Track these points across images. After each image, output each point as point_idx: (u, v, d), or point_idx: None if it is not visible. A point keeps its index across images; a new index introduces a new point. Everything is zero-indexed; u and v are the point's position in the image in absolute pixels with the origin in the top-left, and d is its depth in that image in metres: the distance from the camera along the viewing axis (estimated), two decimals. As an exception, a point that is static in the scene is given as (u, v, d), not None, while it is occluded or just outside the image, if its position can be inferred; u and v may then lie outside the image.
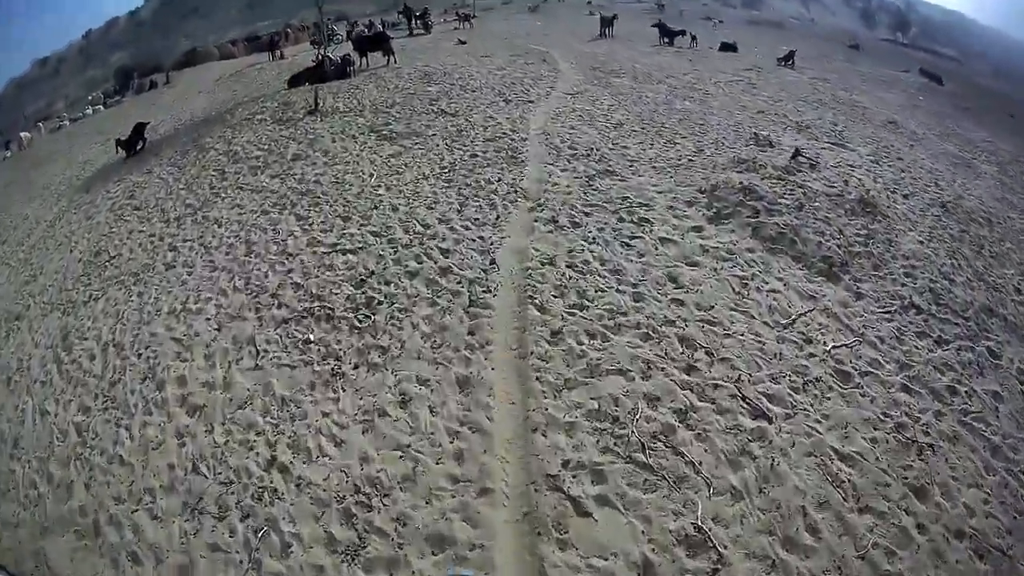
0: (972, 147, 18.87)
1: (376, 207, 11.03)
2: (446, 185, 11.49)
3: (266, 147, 15.35)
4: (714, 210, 10.14)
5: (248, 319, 8.80)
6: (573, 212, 10.08)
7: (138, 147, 20.46)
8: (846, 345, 7.52)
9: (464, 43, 29.75)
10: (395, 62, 23.80)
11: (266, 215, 11.67)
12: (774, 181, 11.03)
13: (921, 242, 10.11)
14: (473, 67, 21.55)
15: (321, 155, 13.97)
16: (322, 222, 10.88)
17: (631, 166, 11.95)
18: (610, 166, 11.85)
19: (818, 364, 7.20)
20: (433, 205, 10.79)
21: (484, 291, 8.43)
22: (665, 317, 7.78)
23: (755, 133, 14.22)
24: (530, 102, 16.61)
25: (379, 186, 11.86)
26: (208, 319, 9.03)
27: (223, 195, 13.25)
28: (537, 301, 8.08)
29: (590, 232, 9.50)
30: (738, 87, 20.69)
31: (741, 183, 10.73)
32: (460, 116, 15.40)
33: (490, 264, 8.94)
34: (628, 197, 10.55)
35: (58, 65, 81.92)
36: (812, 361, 7.24)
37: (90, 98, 48.98)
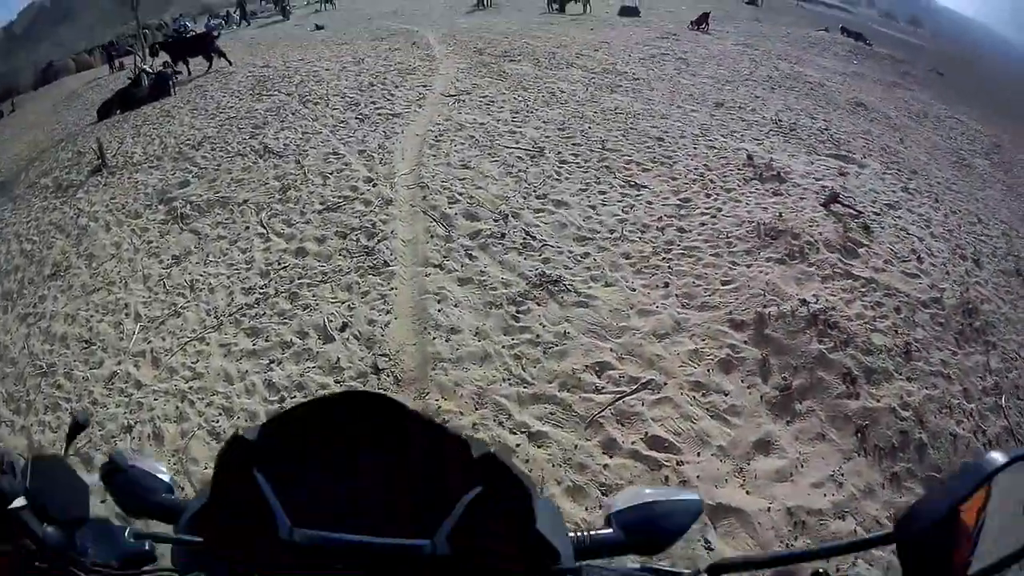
0: (948, 130, 15.51)
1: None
2: (249, 349, 5.61)
3: (30, 247, 9.37)
4: (778, 382, 4.66)
5: None
6: (512, 438, 4.25)
7: None
8: None
9: (321, 28, 25.75)
10: (228, 64, 18.96)
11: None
12: (843, 284, 5.73)
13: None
14: (324, 62, 16.36)
15: (85, 266, 8.08)
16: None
17: (585, 256, 6.23)
18: (548, 261, 6.13)
19: None
20: (220, 425, 4.89)
21: None
22: None
23: (748, 155, 8.69)
24: (395, 116, 10.83)
25: (138, 360, 5.95)
26: None
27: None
28: None
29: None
30: (669, 66, 15.51)
31: (803, 301, 5.31)
32: (290, 156, 9.51)
33: None
34: (608, 364, 4.81)
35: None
36: None
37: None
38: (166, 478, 1.18)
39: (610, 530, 1.04)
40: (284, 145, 10.00)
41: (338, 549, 0.92)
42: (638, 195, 7.49)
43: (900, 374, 4.75)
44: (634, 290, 5.69)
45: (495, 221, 6.88)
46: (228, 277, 6.78)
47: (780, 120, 11.22)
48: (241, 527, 0.96)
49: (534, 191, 7.60)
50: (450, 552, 0.91)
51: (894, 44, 36.63)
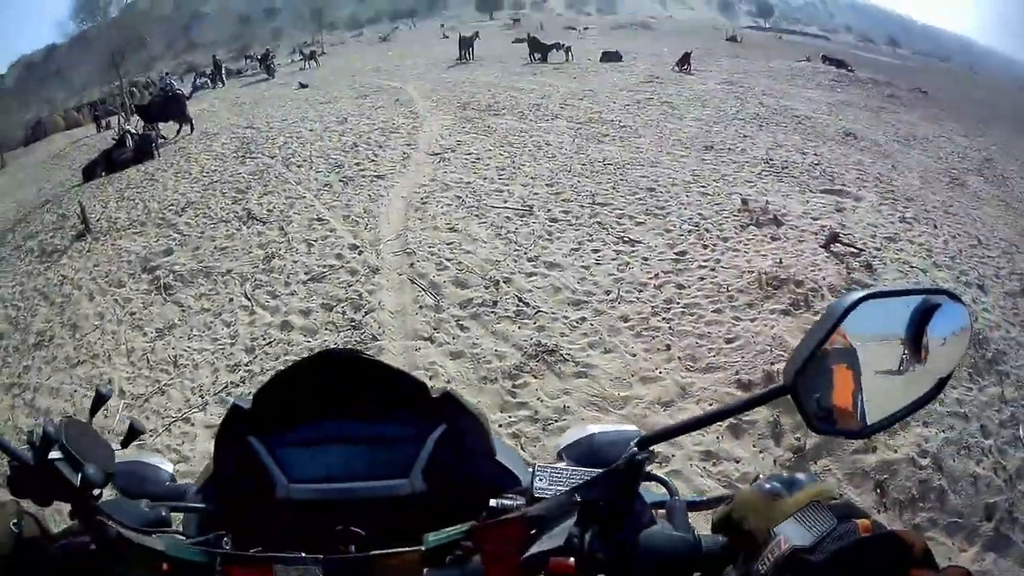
0: (938, 150, 15.28)
1: None
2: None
3: (15, 313, 9.06)
4: (791, 443, 4.50)
5: None
6: None
7: None
8: None
9: (305, 87, 25.44)
10: (190, 132, 18.76)
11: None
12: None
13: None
14: (307, 123, 16.23)
15: (69, 337, 7.81)
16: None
17: (581, 321, 6.02)
18: (543, 329, 5.90)
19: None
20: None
21: None
22: None
23: (742, 199, 8.59)
24: (379, 178, 10.69)
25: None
26: None
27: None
28: None
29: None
30: (655, 111, 15.52)
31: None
32: (274, 223, 9.31)
33: None
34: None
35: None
36: None
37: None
38: (169, 468, 1.26)
39: (562, 463, 1.12)
40: (268, 211, 9.82)
41: (330, 500, 1.03)
42: (633, 251, 7.32)
43: (916, 420, 4.64)
44: (634, 355, 5.47)
45: (486, 288, 6.69)
46: (213, 353, 6.52)
47: (771, 159, 11.17)
48: (242, 491, 1.06)
49: (525, 253, 7.42)
50: (425, 487, 1.03)
51: (876, 68, 37.00)
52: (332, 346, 6.07)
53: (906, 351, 0.83)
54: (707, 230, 7.76)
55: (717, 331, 5.69)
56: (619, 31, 48.41)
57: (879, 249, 7.25)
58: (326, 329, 6.36)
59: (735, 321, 5.80)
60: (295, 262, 7.91)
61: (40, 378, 7.02)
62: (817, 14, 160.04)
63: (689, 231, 7.76)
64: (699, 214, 8.27)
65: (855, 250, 6.99)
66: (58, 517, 1.04)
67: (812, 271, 6.42)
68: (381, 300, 6.68)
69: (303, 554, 0.92)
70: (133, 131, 18.02)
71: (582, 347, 5.60)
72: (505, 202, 9.01)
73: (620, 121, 14.07)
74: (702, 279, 6.60)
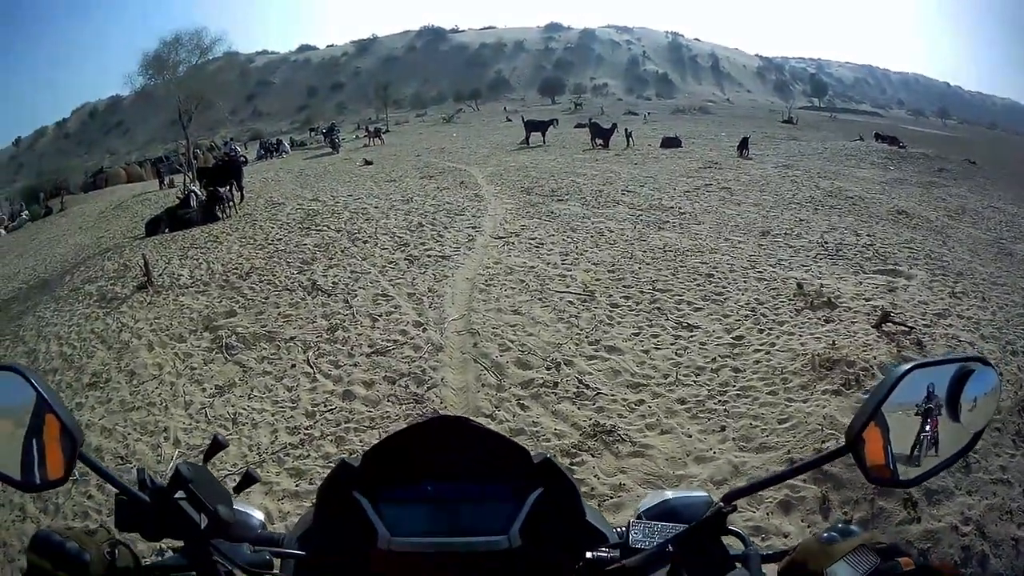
0: (986, 221, 15.80)
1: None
2: (292, 490, 5.51)
3: (70, 352, 9.30)
4: (839, 517, 4.60)
5: None
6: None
7: None
8: None
9: (370, 163, 26.19)
10: (240, 200, 19.22)
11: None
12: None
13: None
14: (372, 199, 16.80)
15: (125, 382, 8.00)
16: None
17: (640, 403, 6.21)
18: (602, 410, 6.09)
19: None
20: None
21: None
22: None
23: (798, 284, 8.86)
24: (444, 258, 11.02)
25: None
26: None
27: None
28: None
29: None
30: (713, 196, 15.89)
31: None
32: (338, 295, 9.64)
33: None
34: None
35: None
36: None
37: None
38: (260, 516, 1.36)
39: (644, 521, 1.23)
40: (333, 283, 10.15)
41: (430, 553, 1.13)
42: (691, 336, 7.49)
43: (960, 489, 4.72)
44: (690, 436, 5.62)
45: (547, 369, 6.88)
46: (272, 414, 6.72)
47: (826, 242, 11.42)
48: (344, 541, 1.16)
49: (586, 337, 7.62)
50: (522, 543, 1.13)
51: (926, 141, 37.36)
52: (394, 417, 6.31)
53: (947, 411, 1.02)
54: (763, 315, 7.95)
55: (771, 412, 5.83)
56: (679, 116, 49.47)
57: (929, 326, 7.39)
58: (388, 401, 6.60)
59: (788, 402, 5.94)
60: (359, 335, 8.19)
61: (92, 417, 7.24)
62: (869, 90, 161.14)
63: (746, 316, 7.95)
64: (756, 299, 8.47)
65: (906, 328, 7.14)
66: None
67: (864, 351, 6.51)
68: (444, 377, 6.90)
69: None
70: (198, 191, 18.55)
71: (639, 428, 5.75)
72: (568, 287, 9.25)
73: (680, 207, 14.36)
74: (757, 362, 6.75)
